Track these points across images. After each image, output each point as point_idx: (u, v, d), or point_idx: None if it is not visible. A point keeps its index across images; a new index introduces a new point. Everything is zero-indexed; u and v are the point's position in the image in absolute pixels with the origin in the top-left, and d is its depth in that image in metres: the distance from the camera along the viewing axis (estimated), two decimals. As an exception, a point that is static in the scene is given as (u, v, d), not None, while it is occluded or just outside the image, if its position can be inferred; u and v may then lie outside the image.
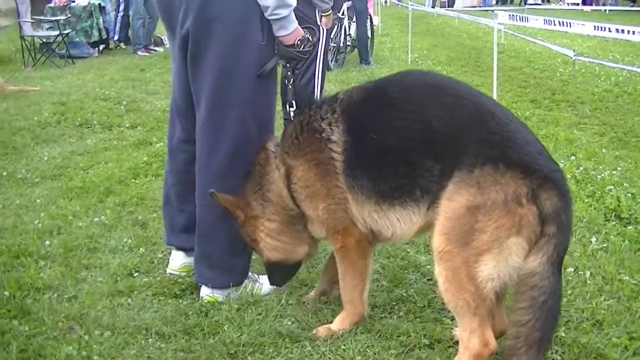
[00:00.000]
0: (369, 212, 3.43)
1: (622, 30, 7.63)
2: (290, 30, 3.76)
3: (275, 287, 4.12)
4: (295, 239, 3.82)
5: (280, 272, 3.99)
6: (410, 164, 3.22)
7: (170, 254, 4.45)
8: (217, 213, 3.93)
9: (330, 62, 13.00)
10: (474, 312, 3.03)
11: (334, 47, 13.54)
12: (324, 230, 3.65)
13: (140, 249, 4.81)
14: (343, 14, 14.03)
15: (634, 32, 7.40)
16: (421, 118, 3.21)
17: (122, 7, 17.10)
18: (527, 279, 2.91)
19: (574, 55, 9.08)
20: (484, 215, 2.93)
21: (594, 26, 8.41)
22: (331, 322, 3.76)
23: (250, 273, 4.23)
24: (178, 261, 4.37)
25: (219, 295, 4.08)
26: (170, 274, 4.36)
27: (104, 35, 17.11)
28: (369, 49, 14.87)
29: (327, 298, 4.07)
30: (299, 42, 3.79)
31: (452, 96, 3.24)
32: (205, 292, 4.11)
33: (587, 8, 31.40)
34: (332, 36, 12.89)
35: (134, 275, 4.44)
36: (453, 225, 3.01)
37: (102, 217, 5.43)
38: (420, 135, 3.19)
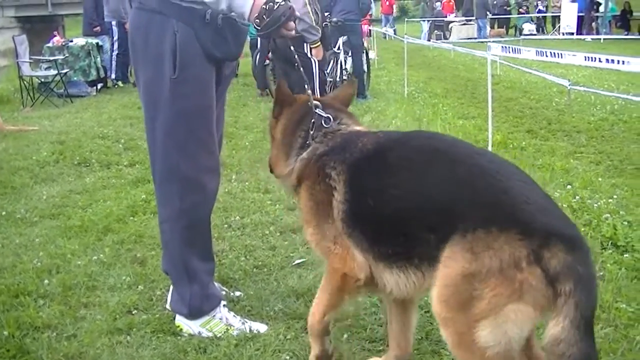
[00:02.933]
0: (367, 264, 3.24)
1: (613, 60, 7.66)
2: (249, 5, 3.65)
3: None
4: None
5: None
6: (406, 234, 3.05)
7: (169, 290, 4.47)
8: (167, 233, 4.15)
9: (327, 96, 13.06)
10: None
11: (330, 81, 13.63)
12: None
13: (139, 286, 4.81)
14: (339, 48, 14.15)
15: (624, 62, 7.44)
16: (416, 189, 3.04)
17: (116, 46, 17.22)
18: (553, 347, 2.59)
19: (569, 85, 9.12)
20: (481, 282, 2.70)
21: (585, 56, 8.45)
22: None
23: (226, 315, 4.24)
24: (169, 297, 4.40)
25: (185, 326, 4.19)
26: (169, 310, 4.38)
27: (102, 74, 17.21)
28: (365, 83, 14.96)
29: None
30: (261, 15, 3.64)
31: (446, 162, 3.03)
32: (177, 319, 4.25)
33: (584, 37, 31.59)
34: (328, 71, 13.00)
35: (133, 312, 4.45)
36: (451, 293, 2.80)
37: (101, 255, 5.44)
38: (414, 207, 3.01)
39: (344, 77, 14.71)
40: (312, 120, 3.50)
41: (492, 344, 2.69)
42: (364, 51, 15.21)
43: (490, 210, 2.75)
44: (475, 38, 33.81)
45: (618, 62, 7.62)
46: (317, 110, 3.52)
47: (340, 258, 3.30)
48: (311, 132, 3.48)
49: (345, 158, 3.29)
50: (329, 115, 3.51)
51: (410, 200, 3.02)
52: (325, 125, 3.48)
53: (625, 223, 5.70)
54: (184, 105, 3.86)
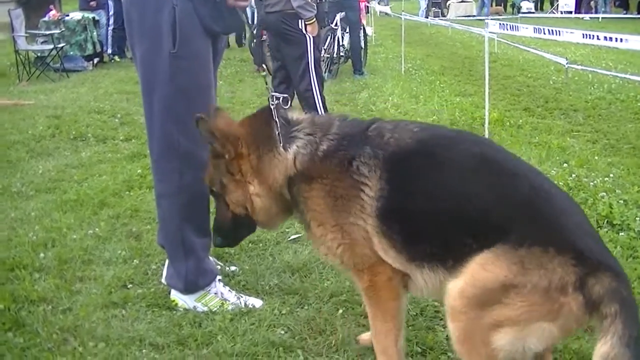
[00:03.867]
0: (393, 261, 3.09)
1: (611, 38, 7.64)
2: None
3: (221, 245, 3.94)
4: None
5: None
6: (447, 238, 2.94)
7: (164, 264, 4.47)
8: (164, 208, 4.15)
9: (323, 73, 13.07)
10: None
11: (327, 58, 13.60)
12: (345, 267, 3.28)
13: (134, 260, 4.82)
14: (336, 25, 14.10)
15: (622, 40, 7.42)
16: (467, 192, 2.92)
17: (112, 21, 17.15)
18: None
19: (567, 63, 9.10)
20: (518, 295, 2.68)
21: (583, 34, 8.44)
22: (324, 332, 3.78)
23: (221, 289, 4.25)
24: (164, 272, 4.40)
25: (180, 301, 4.20)
26: (164, 284, 4.38)
27: (99, 49, 17.18)
28: (362, 59, 14.93)
29: (321, 305, 4.09)
30: None
31: (507, 176, 2.95)
32: (172, 293, 4.25)
33: (582, 16, 31.47)
34: (325, 47, 12.98)
35: (128, 286, 4.45)
36: (480, 294, 2.75)
37: (97, 229, 5.44)
38: (462, 211, 2.90)
39: (341, 54, 14.69)
40: (273, 106, 3.28)
41: (507, 351, 2.73)
42: (362, 27, 15.15)
43: (551, 231, 2.75)
44: (474, 15, 33.68)
45: (616, 39, 7.60)
46: (273, 93, 3.32)
47: (380, 265, 3.15)
48: (276, 120, 3.26)
49: (377, 153, 3.08)
50: (286, 95, 3.41)
51: (459, 205, 2.92)
52: (284, 107, 3.32)
53: (621, 202, 5.72)
54: (183, 80, 3.84)
